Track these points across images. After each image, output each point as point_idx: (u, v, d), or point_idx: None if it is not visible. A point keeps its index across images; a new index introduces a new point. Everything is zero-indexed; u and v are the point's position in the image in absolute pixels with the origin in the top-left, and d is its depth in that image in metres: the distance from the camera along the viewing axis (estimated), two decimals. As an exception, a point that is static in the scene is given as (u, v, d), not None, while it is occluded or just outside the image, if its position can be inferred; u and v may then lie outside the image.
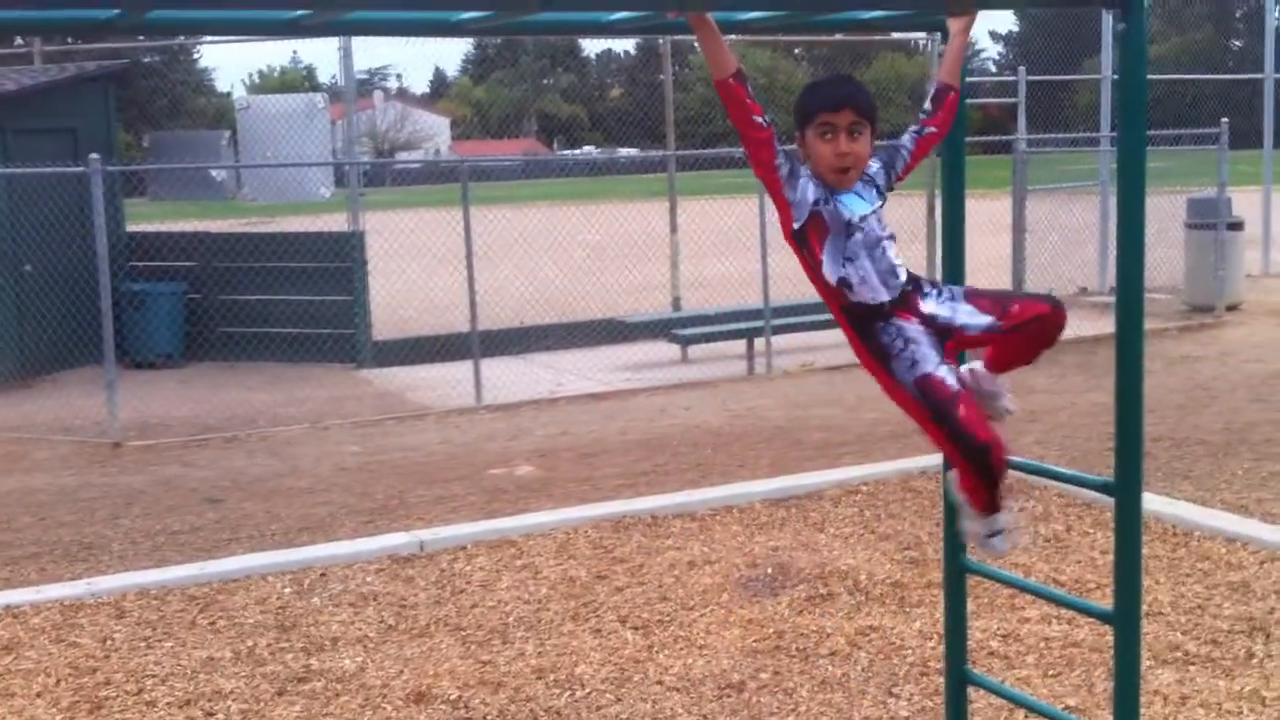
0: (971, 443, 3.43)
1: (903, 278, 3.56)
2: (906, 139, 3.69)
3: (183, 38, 17.89)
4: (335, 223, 13.76)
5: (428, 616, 5.42)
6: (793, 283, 13.40)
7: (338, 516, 7.17)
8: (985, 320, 3.61)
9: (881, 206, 3.57)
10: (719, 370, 11.65)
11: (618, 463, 8.27)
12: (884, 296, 3.58)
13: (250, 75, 78.71)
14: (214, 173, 14.69)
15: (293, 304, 12.84)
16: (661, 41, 16.70)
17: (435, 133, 73.65)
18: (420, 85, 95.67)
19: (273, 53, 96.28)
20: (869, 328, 3.62)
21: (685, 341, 12.21)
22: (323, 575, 5.97)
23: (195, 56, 64.88)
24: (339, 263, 12.68)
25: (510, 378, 11.18)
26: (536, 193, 32.47)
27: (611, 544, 6.31)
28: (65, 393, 11.13)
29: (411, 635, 5.21)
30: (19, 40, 16.94)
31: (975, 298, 3.64)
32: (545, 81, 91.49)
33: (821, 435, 8.83)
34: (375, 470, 8.33)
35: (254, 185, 14.34)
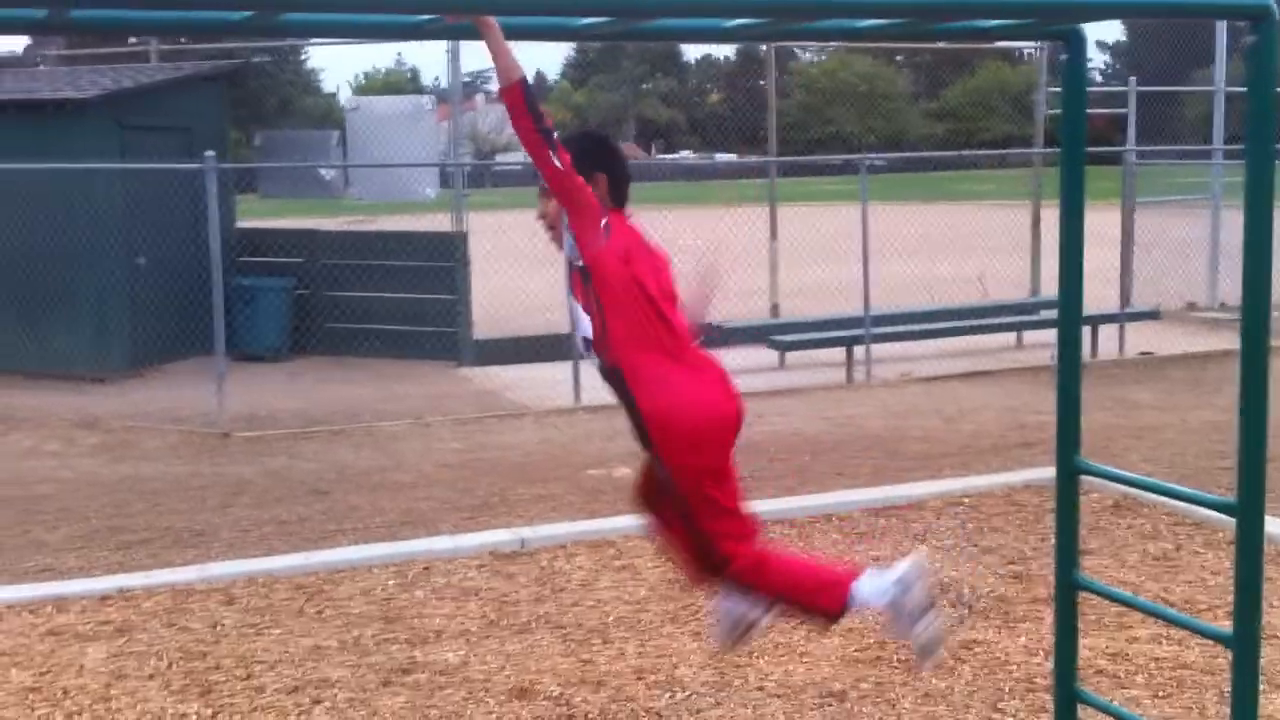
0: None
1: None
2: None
3: (292, 39, 18.30)
4: (437, 222, 13.94)
5: (529, 613, 5.47)
6: (892, 291, 13.36)
7: (440, 511, 7.27)
8: None
9: (569, 271, 3.69)
10: (816, 377, 11.60)
11: (716, 467, 8.25)
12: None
13: (356, 76, 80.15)
14: (323, 171, 14.98)
15: (396, 301, 13.05)
16: (764, 48, 16.67)
17: (535, 135, 74.21)
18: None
19: (378, 55, 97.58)
20: None
21: (784, 348, 12.18)
22: (426, 569, 6.05)
23: (303, 57, 66.11)
24: (442, 261, 12.86)
25: (608, 379, 11.23)
26: (635, 195, 32.61)
27: (710, 548, 6.30)
28: (175, 383, 11.42)
29: (513, 631, 5.26)
30: (132, 39, 17.40)
31: None
32: (645, 86, 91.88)
33: (921, 446, 8.74)
34: (476, 467, 8.43)
35: (361, 184, 14.58)
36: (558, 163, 3.57)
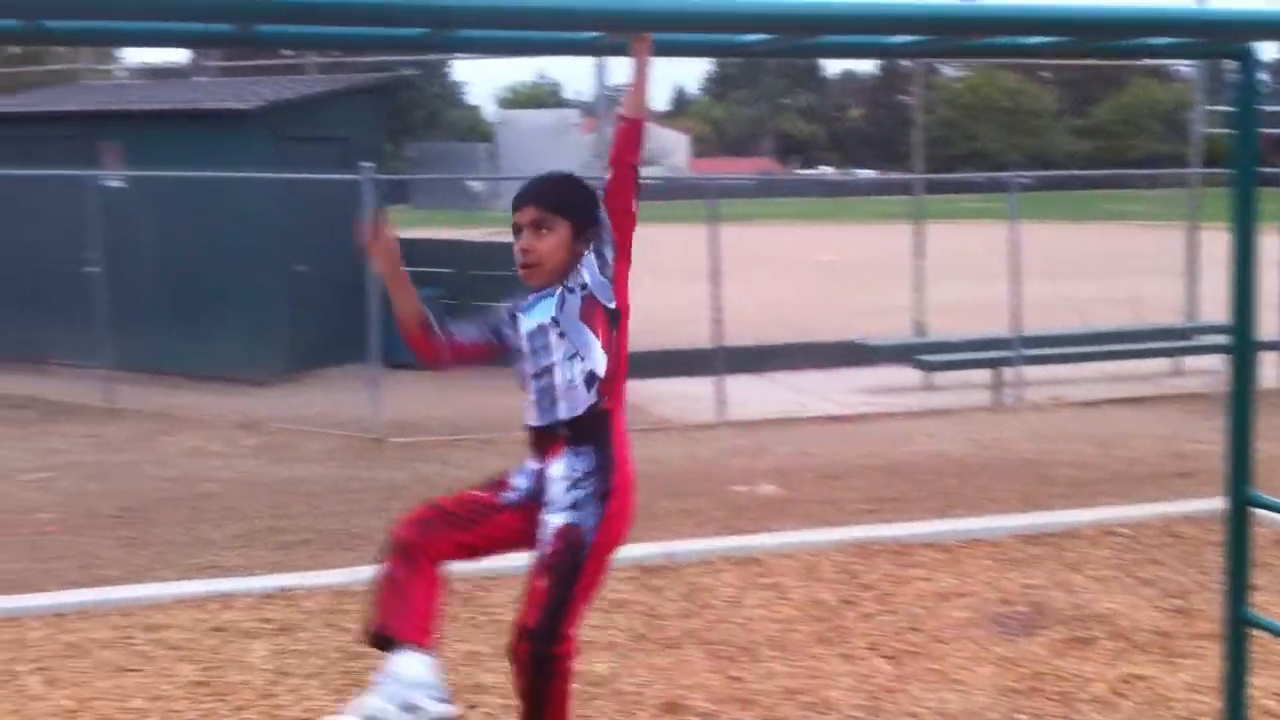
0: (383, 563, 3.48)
1: (560, 415, 3.47)
2: (601, 209, 3.52)
3: (449, 54, 18.65)
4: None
5: (676, 628, 5.49)
6: (1038, 312, 13.10)
7: (586, 523, 7.33)
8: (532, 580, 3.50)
9: (581, 305, 3.46)
10: (963, 399, 11.44)
11: (861, 486, 8.21)
12: (532, 420, 3.53)
13: (500, 90, 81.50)
14: (471, 183, 15.27)
15: (542, 313, 13.21)
16: (908, 63, 16.53)
17: (673, 149, 74.63)
18: (661, 102, 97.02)
19: (522, 68, 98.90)
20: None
21: (931, 368, 12.04)
22: (574, 580, 6.11)
23: (449, 70, 67.51)
24: (587, 274, 12.99)
25: (751, 395, 11.24)
26: (770, 211, 32.53)
27: (858, 569, 6.27)
28: (330, 388, 11.74)
29: (661, 645, 5.29)
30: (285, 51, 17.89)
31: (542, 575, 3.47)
32: (784, 101, 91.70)
33: (1074, 472, 8.56)
34: (620, 480, 8.48)
35: (509, 196, 14.77)
36: (635, 206, 3.57)
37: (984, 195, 27.21)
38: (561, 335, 3.50)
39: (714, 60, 74.99)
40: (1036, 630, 5.39)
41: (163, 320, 12.36)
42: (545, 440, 3.56)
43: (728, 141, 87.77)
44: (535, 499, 3.58)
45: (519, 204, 3.57)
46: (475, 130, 66.48)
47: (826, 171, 74.74)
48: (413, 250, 13.80)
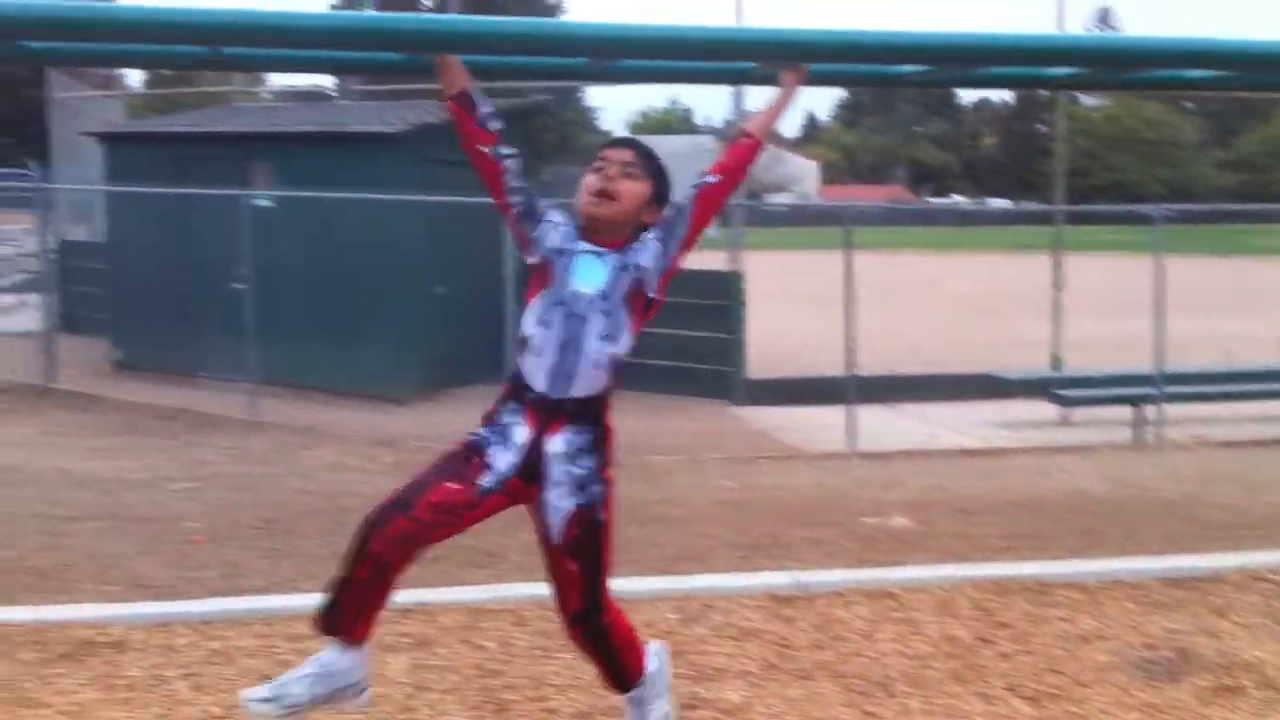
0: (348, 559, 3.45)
1: (574, 392, 3.37)
2: (684, 196, 3.44)
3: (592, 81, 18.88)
4: (706, 260, 14.12)
5: (809, 659, 5.45)
6: (1180, 348, 12.75)
7: (715, 550, 7.34)
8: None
9: (630, 287, 3.40)
10: (1102, 435, 11.19)
11: (996, 522, 8.07)
12: (539, 386, 3.39)
13: (631, 115, 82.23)
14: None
15: (670, 337, 13.27)
16: (1046, 92, 16.28)
17: (803, 176, 74.40)
18: (791, 128, 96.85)
19: (654, 94, 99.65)
20: (497, 404, 3.44)
21: (1069, 403, 11.81)
22: (705, 606, 6.11)
23: (581, 95, 68.25)
24: (718, 300, 13.01)
25: (882, 425, 11.14)
26: (901, 239, 32.21)
27: (994, 607, 6.16)
28: (465, 407, 11.88)
29: (794, 676, 5.26)
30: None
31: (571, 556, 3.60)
32: (916, 129, 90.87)
33: (1219, 515, 8.30)
34: (750, 506, 8.48)
35: (642, 222, 14.90)
36: (713, 219, 3.65)
37: (1122, 227, 26.61)
38: (606, 314, 3.45)
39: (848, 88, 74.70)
40: (1182, 677, 5.24)
41: (306, 337, 12.69)
42: (548, 412, 3.49)
43: (858, 168, 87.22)
44: (524, 476, 3.54)
45: (619, 144, 3.59)
46: (606, 155, 67.09)
47: (959, 200, 73.77)
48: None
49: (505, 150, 3.58)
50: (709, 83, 3.79)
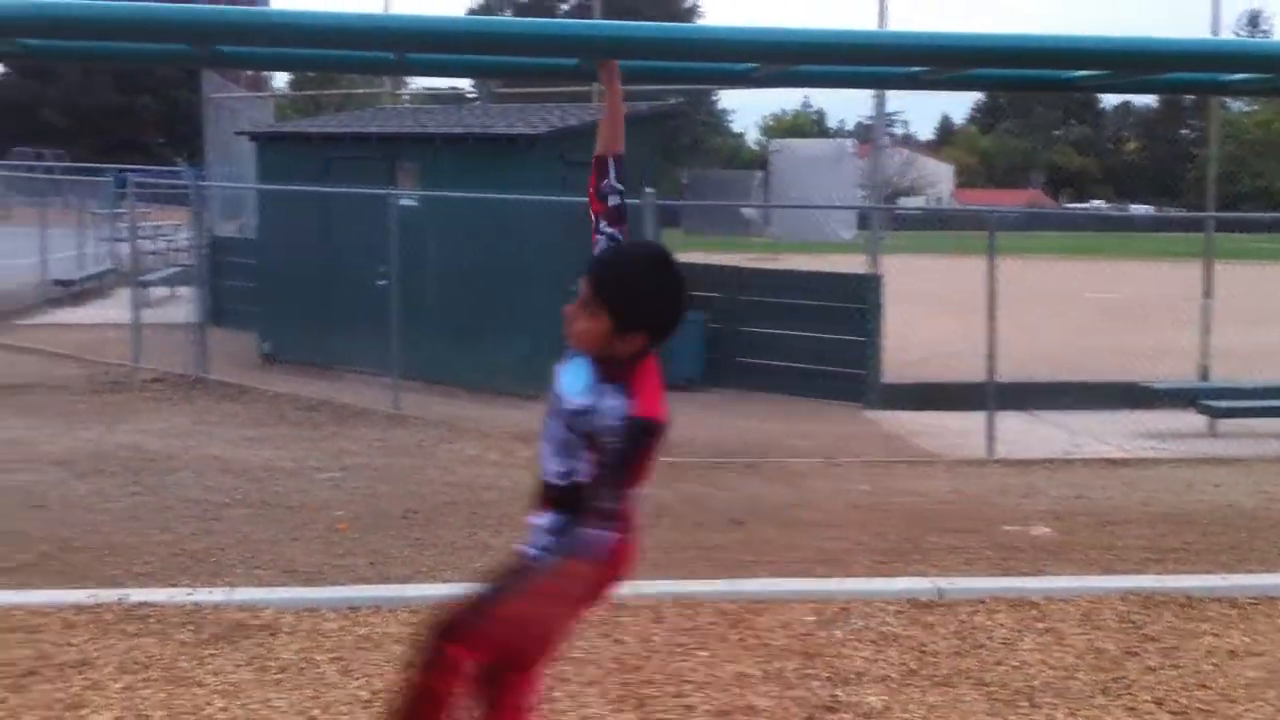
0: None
1: (552, 479, 3.30)
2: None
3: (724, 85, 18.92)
4: (839, 263, 14.05)
5: (949, 666, 5.40)
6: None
7: (853, 553, 7.31)
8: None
9: (602, 407, 3.21)
10: (1252, 448, 10.84)
11: (1141, 534, 7.89)
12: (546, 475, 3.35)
13: (763, 118, 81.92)
14: (744, 210, 15.41)
15: (805, 340, 13.24)
16: (1189, 99, 15.83)
17: (938, 179, 73.34)
18: (926, 132, 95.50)
19: (787, 97, 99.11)
20: None
21: (1218, 414, 11.46)
22: (843, 609, 6.10)
23: (714, 99, 68.22)
24: (854, 303, 12.93)
25: (1021, 433, 10.96)
26: (1040, 245, 31.56)
27: (1141, 620, 6.03)
28: (598, 406, 12.03)
29: (933, 683, 5.22)
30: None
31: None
32: (1055, 133, 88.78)
33: (1379, 533, 8.01)
34: (886, 511, 8.42)
35: (780, 224, 14.92)
36: None
37: (1272, 235, 25.76)
38: (566, 430, 3.40)
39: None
40: (1340, 698, 5.07)
41: (446, 333, 12.93)
42: (543, 492, 3.46)
43: (994, 172, 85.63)
44: None
45: (588, 270, 3.38)
46: (737, 158, 67.02)
47: (1099, 205, 71.97)
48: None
49: (606, 228, 3.68)
50: (891, 87, 3.80)
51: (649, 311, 3.26)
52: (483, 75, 11.23)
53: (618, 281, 3.27)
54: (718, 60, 3.38)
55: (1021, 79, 3.48)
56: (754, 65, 3.28)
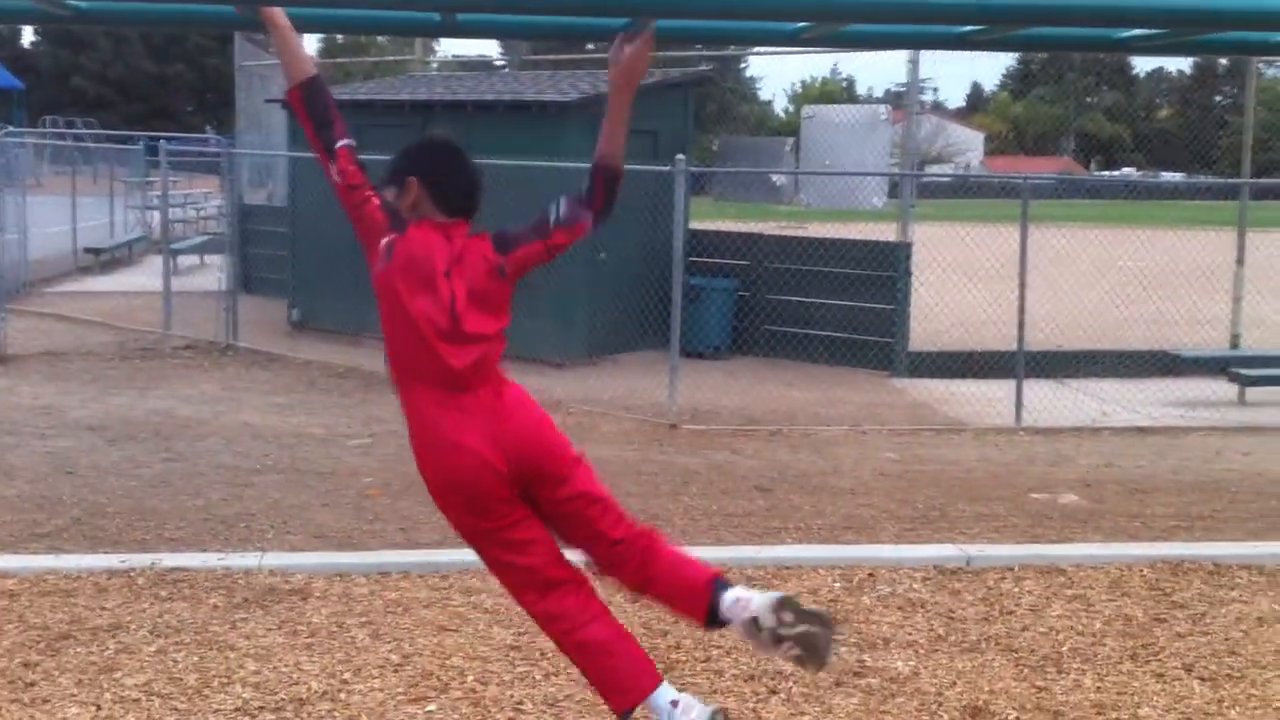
0: None
1: None
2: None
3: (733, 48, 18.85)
4: (869, 231, 13.96)
5: (977, 632, 5.41)
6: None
7: (880, 520, 7.31)
8: None
9: None
10: (1282, 416, 10.78)
11: (1170, 502, 7.86)
12: None
13: (792, 85, 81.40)
14: (774, 177, 15.32)
15: (834, 308, 13.19)
16: (1223, 62, 15.62)
17: (968, 147, 72.73)
18: (956, 99, 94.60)
19: (815, 64, 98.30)
20: None
21: (1249, 382, 11.38)
22: (870, 575, 6.11)
23: (743, 66, 67.74)
24: (883, 271, 12.87)
25: (1050, 401, 10.90)
26: (1069, 213, 31.24)
27: (1170, 587, 6.02)
28: (626, 374, 12.05)
29: (961, 649, 5.23)
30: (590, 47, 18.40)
31: None
32: (1088, 99, 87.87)
33: None
34: (914, 478, 8.41)
35: (810, 191, 14.83)
36: (335, 176, 3.71)
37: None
38: None
39: (1017, 56, 72.65)
40: (1371, 666, 5.05)
41: (473, 301, 12.91)
42: None
43: (1024, 139, 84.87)
44: None
45: None
46: (765, 125, 66.64)
47: (1130, 173, 71.32)
48: (710, 241, 14.04)
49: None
50: (932, 47, 3.76)
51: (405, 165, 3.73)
52: (532, 37, 11.18)
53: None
54: (771, 19, 3.34)
55: (1071, 39, 3.43)
56: (806, 25, 3.24)
